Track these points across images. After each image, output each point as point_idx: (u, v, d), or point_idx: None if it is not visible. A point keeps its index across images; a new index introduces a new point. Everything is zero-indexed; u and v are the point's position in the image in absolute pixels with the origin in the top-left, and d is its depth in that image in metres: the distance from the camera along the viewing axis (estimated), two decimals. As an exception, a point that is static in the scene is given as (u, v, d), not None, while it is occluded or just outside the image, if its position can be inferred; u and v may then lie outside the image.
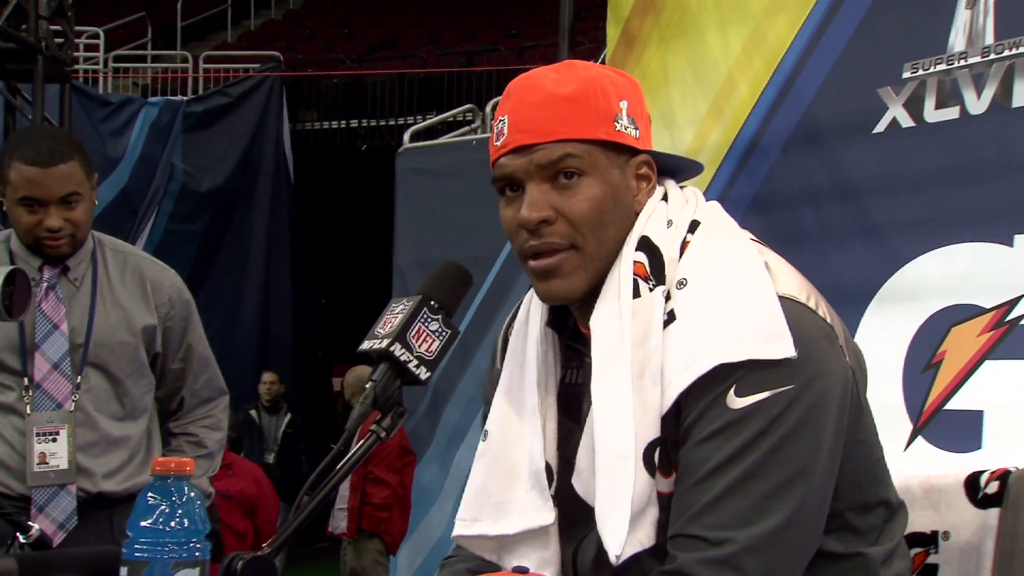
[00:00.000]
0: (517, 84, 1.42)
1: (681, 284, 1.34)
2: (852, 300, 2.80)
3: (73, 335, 2.53)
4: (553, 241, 1.37)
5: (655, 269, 1.36)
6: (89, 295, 2.56)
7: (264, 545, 1.21)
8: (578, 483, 1.38)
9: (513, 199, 1.39)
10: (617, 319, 1.35)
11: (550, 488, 1.41)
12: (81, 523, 2.50)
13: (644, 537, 1.32)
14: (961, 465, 2.53)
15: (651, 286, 1.35)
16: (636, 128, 1.40)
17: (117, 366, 2.57)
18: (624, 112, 1.39)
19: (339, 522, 6.28)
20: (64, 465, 2.48)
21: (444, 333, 1.35)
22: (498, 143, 1.40)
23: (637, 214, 1.40)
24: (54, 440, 2.49)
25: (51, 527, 2.45)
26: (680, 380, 1.30)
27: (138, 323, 2.60)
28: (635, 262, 1.36)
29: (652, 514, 1.32)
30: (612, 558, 1.30)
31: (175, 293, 2.68)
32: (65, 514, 2.48)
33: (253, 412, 8.65)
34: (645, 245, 1.37)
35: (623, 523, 1.30)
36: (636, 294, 1.35)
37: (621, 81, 1.42)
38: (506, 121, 1.39)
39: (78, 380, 2.52)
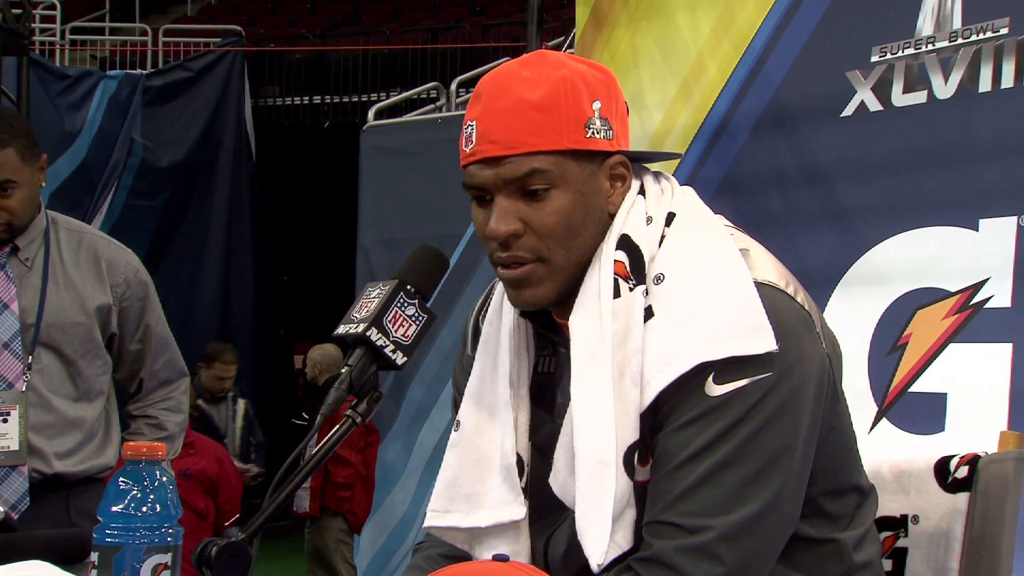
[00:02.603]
0: (487, 84, 1.38)
1: (658, 279, 1.33)
2: (819, 283, 2.82)
3: (24, 315, 2.50)
4: (520, 255, 1.36)
5: (635, 268, 1.34)
6: (41, 275, 2.54)
7: (231, 527, 1.20)
8: (555, 483, 1.37)
9: (484, 204, 1.38)
10: (597, 320, 1.33)
11: (521, 481, 1.41)
12: (36, 505, 2.47)
13: (623, 540, 1.31)
14: (924, 447, 2.57)
15: (631, 285, 1.34)
16: (610, 129, 1.36)
17: (70, 346, 2.55)
18: (597, 114, 1.35)
19: (302, 501, 6.26)
20: (15, 446, 2.46)
21: (420, 318, 1.34)
22: (467, 149, 1.37)
23: (611, 215, 1.38)
24: (5, 421, 2.46)
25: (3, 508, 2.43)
26: (659, 379, 1.29)
27: (91, 303, 2.57)
28: (616, 261, 1.35)
29: (630, 515, 1.32)
30: (594, 566, 1.30)
31: (131, 273, 2.65)
32: (17, 495, 2.45)
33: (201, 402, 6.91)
34: (625, 244, 1.36)
35: (605, 532, 1.29)
36: (616, 294, 1.33)
37: (594, 78, 1.38)
38: (475, 127, 1.36)
39: (29, 360, 2.50)
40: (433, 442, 5.25)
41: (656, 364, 1.29)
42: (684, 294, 1.31)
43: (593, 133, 1.35)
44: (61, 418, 2.54)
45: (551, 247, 1.35)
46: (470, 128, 1.37)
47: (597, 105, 1.36)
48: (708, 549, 1.25)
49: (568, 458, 1.34)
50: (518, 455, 1.41)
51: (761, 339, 1.27)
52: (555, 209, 1.34)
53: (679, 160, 3.22)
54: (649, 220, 1.38)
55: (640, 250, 1.35)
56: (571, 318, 1.36)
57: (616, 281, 1.34)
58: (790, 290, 1.35)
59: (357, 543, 6.11)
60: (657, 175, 1.45)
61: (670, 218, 1.38)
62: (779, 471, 1.28)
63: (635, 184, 1.41)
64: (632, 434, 1.31)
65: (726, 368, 1.27)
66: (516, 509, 1.40)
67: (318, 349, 6.85)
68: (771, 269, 1.35)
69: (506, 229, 1.34)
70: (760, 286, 1.31)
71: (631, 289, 1.34)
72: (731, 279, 1.31)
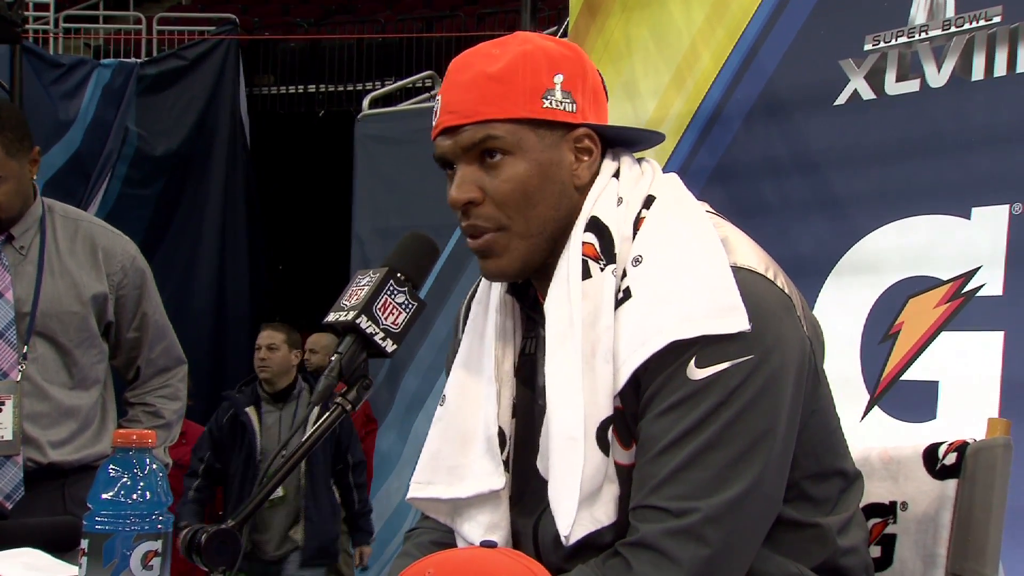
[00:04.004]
0: (455, 62, 1.43)
1: (636, 261, 1.34)
2: (811, 272, 2.83)
3: (19, 304, 2.50)
4: (478, 224, 1.39)
5: (605, 249, 1.36)
6: (36, 263, 2.53)
7: (228, 519, 1.20)
8: (541, 464, 1.39)
9: (451, 177, 1.41)
10: (567, 302, 1.35)
11: (502, 453, 1.43)
12: (31, 493, 2.47)
13: (602, 515, 1.33)
14: (916, 435, 2.58)
15: (601, 266, 1.35)
16: (573, 102, 1.39)
17: (65, 335, 2.54)
18: (558, 87, 1.38)
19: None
20: (8, 436, 2.45)
21: (410, 305, 1.34)
22: (434, 122, 1.42)
23: (577, 188, 1.40)
24: None
25: None
26: (634, 358, 1.30)
27: (87, 292, 2.57)
28: (584, 243, 1.37)
29: (611, 491, 1.33)
30: (563, 539, 1.32)
31: (128, 261, 2.65)
32: (12, 485, 2.45)
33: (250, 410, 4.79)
34: (594, 226, 1.38)
35: (573, 505, 1.31)
36: (587, 275, 1.35)
37: (560, 54, 1.40)
38: (439, 101, 1.41)
39: (24, 350, 2.49)
40: (428, 431, 5.24)
41: (630, 344, 1.31)
42: (660, 276, 1.32)
43: (552, 104, 1.38)
44: (57, 407, 2.54)
45: (509, 215, 1.38)
46: (437, 103, 1.42)
47: (559, 78, 1.38)
48: (694, 531, 1.26)
49: (548, 438, 1.36)
50: (500, 428, 1.43)
51: (734, 319, 1.28)
52: (510, 176, 1.37)
53: (672, 149, 3.22)
54: (620, 201, 1.39)
55: (610, 231, 1.37)
56: (545, 301, 1.39)
57: (585, 262, 1.36)
58: (769, 274, 1.35)
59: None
60: (639, 160, 1.46)
61: (649, 201, 1.40)
62: (762, 452, 1.28)
63: (610, 167, 1.43)
64: (604, 410, 1.32)
65: (707, 351, 1.28)
66: (496, 479, 1.42)
67: (310, 341, 6.83)
68: (750, 254, 1.36)
69: (463, 196, 1.38)
70: (739, 270, 1.32)
71: (601, 270, 1.35)
72: (707, 261, 1.32)
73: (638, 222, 1.38)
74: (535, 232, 1.39)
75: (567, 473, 1.32)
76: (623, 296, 1.33)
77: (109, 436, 2.64)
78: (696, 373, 1.28)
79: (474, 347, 1.48)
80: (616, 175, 1.42)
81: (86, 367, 2.59)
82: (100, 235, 2.64)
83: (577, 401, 1.32)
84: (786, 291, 1.36)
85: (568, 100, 1.39)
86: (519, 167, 1.37)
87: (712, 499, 1.26)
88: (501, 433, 1.43)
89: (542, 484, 1.38)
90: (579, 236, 1.37)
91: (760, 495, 1.29)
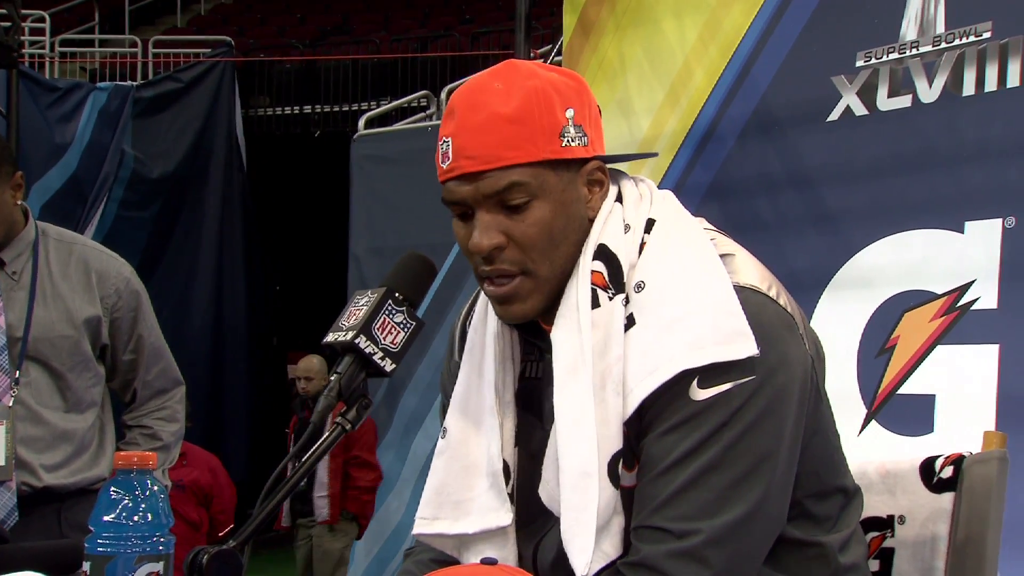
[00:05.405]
0: (460, 100, 1.37)
1: (639, 287, 1.34)
2: (807, 287, 2.84)
3: (11, 329, 2.50)
4: (504, 268, 1.36)
5: (614, 277, 1.35)
6: (28, 288, 2.53)
7: (230, 539, 1.21)
8: (544, 493, 1.38)
9: (466, 219, 1.38)
10: (576, 332, 1.34)
11: (507, 487, 1.42)
12: (26, 518, 2.46)
13: (611, 548, 1.32)
14: (913, 449, 2.58)
15: (610, 295, 1.34)
16: (584, 135, 1.37)
17: (58, 360, 2.54)
18: (571, 122, 1.35)
19: (320, 509, 6.23)
20: (1, 462, 2.44)
21: (409, 325, 1.35)
22: (444, 165, 1.36)
23: (591, 220, 1.39)
24: None
25: None
26: (642, 388, 1.29)
27: (80, 315, 2.56)
28: (593, 272, 1.35)
29: (618, 523, 1.32)
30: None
31: (122, 283, 2.65)
32: (5, 510, 2.44)
33: None
34: (603, 254, 1.36)
35: (589, 542, 1.30)
36: (595, 304, 1.34)
37: (566, 86, 1.38)
38: (450, 144, 1.35)
39: (17, 375, 2.49)
40: (427, 451, 5.24)
41: (639, 373, 1.30)
42: (664, 302, 1.31)
43: (568, 141, 1.36)
44: (51, 431, 2.53)
45: (535, 258, 1.36)
46: (446, 144, 1.36)
47: (570, 113, 1.36)
48: (696, 553, 1.26)
49: (555, 468, 1.35)
50: (504, 461, 1.42)
51: (741, 344, 1.28)
52: (536, 220, 1.35)
53: (667, 166, 3.24)
54: (627, 228, 1.38)
55: (618, 259, 1.36)
56: (552, 330, 1.37)
57: (594, 291, 1.34)
58: (772, 292, 1.35)
59: (352, 550, 6.11)
60: (635, 180, 1.45)
61: (650, 224, 1.39)
62: (765, 473, 1.28)
63: (612, 190, 1.41)
64: (616, 443, 1.31)
65: (710, 372, 1.28)
66: (503, 515, 1.41)
67: (303, 362, 6.81)
68: (753, 272, 1.36)
69: (489, 243, 1.35)
70: (742, 290, 1.32)
71: (610, 299, 1.34)
72: (711, 285, 1.32)
73: (640, 247, 1.37)
74: (558, 271, 1.37)
75: (581, 510, 1.30)
76: (627, 323, 1.32)
77: (107, 459, 2.63)
78: (699, 394, 1.28)
79: (473, 377, 1.46)
80: (619, 199, 1.41)
81: (80, 390, 2.58)
82: (94, 258, 2.64)
83: (590, 435, 1.31)
84: (788, 309, 1.36)
85: (580, 134, 1.36)
86: (544, 210, 1.35)
87: (714, 521, 1.26)
88: (506, 467, 1.42)
89: (542, 511, 1.38)
90: (587, 264, 1.36)
91: (763, 516, 1.29)
